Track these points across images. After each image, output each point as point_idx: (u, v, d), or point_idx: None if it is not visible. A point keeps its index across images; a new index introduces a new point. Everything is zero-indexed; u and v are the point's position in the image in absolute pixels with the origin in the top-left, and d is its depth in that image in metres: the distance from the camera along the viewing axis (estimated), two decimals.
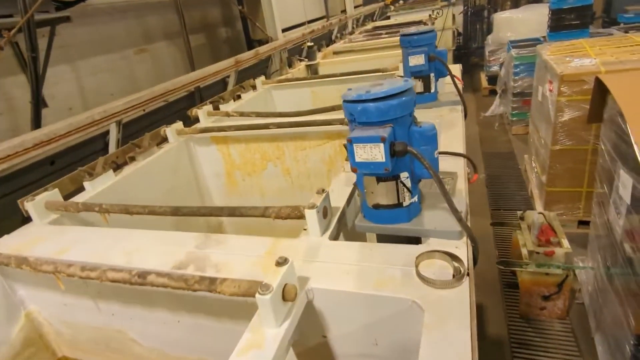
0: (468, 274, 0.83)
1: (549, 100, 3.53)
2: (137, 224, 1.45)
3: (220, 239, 1.13)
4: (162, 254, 1.11)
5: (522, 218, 3.08)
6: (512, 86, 5.58)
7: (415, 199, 1.00)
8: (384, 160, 0.86)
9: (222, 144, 2.21)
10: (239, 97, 2.86)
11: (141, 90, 4.73)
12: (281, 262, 0.83)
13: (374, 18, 9.36)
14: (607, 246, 2.50)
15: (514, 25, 6.85)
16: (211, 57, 6.27)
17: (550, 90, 3.49)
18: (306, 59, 3.96)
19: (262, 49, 4.24)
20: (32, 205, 1.43)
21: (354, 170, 0.92)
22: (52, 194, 1.50)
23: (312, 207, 1.03)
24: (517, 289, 2.93)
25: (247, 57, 3.92)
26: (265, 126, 1.96)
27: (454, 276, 0.82)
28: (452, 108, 1.87)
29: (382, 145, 0.85)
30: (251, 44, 6.05)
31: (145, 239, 1.20)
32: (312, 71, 3.89)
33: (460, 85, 2.00)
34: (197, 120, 2.43)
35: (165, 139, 2.17)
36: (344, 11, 8.42)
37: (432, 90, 1.92)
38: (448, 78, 1.96)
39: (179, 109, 3.41)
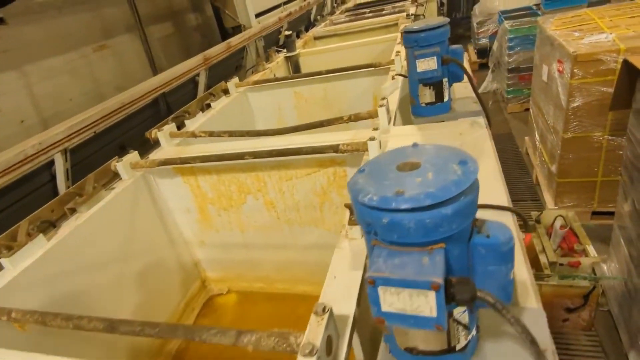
0: None
1: (558, 83, 3.16)
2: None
3: None
4: None
5: (538, 221, 2.75)
6: (507, 61, 5.20)
7: (474, 332, 0.63)
8: (434, 315, 0.48)
9: (189, 175, 1.80)
10: (208, 106, 2.43)
11: (105, 92, 4.20)
12: None
13: None
14: (637, 239, 2.21)
15: None
16: (181, 48, 5.74)
17: (560, 72, 3.12)
18: (284, 50, 3.50)
19: (234, 40, 3.76)
20: None
21: (378, 322, 0.54)
22: None
23: (311, 352, 0.65)
24: None
25: (217, 51, 3.45)
26: (240, 156, 1.56)
27: None
28: (472, 121, 1.48)
29: (432, 294, 0.47)
30: (225, 31, 5.53)
31: None
32: (293, 64, 3.44)
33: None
34: (158, 143, 2.01)
35: (117, 175, 1.75)
36: None
37: (446, 99, 1.53)
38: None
39: (144, 120, 2.96)
